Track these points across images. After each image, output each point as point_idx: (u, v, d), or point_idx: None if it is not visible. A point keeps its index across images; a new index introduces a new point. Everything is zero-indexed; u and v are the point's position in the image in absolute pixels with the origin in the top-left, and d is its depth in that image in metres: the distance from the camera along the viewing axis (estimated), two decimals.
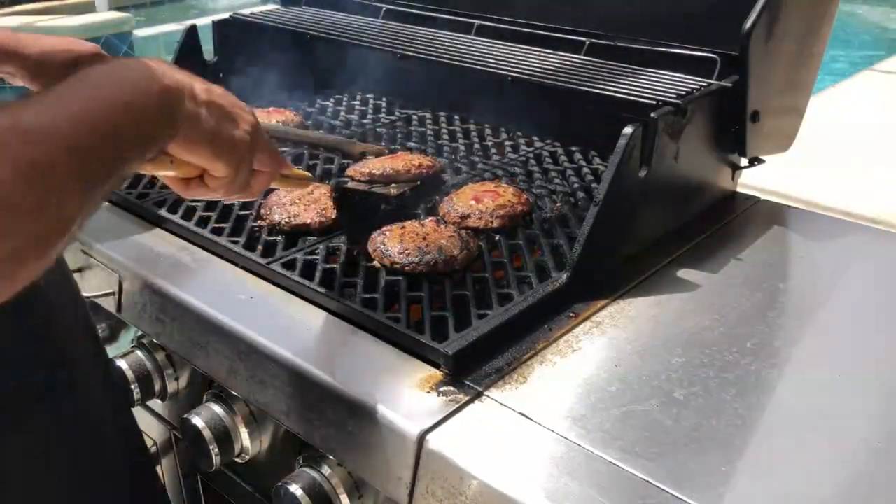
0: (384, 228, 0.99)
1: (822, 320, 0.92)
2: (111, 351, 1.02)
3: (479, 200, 1.05)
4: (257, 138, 0.71)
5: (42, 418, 0.79)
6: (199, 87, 0.65)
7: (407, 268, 0.92)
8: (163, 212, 1.09)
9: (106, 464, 0.88)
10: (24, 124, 0.48)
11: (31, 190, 0.46)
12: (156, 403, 1.07)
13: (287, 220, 1.03)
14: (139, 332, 1.03)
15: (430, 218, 1.05)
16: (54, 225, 0.49)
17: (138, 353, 1.00)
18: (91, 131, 0.52)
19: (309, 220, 1.03)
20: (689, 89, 1.03)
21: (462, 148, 1.33)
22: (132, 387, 0.99)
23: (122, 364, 0.99)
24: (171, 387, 1.01)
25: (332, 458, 0.81)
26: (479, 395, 0.76)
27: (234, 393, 0.90)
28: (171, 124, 0.61)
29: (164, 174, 0.70)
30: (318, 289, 0.90)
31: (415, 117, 1.47)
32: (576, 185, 1.17)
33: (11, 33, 0.93)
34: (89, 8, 5.86)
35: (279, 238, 1.02)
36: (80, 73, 0.55)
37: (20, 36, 0.94)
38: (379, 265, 0.94)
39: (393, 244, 0.94)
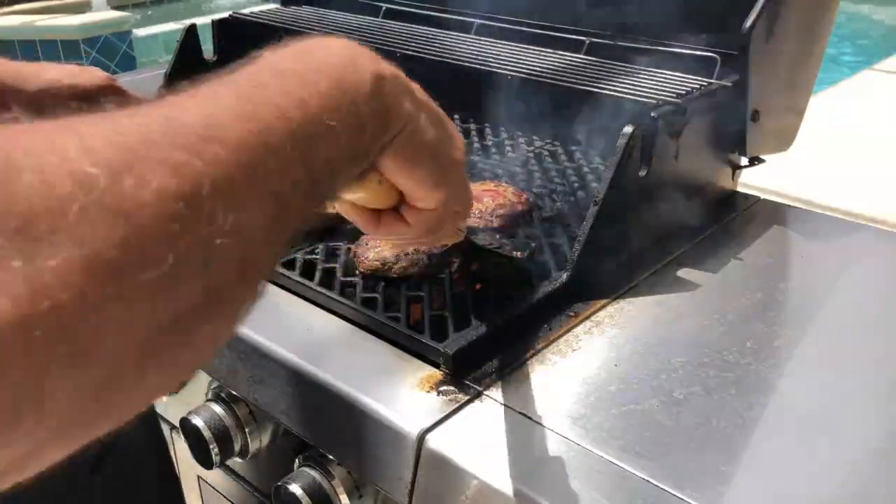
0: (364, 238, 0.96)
1: (823, 320, 0.92)
2: None
3: (479, 200, 1.05)
4: (464, 170, 0.56)
5: (93, 489, 0.74)
6: (415, 84, 0.51)
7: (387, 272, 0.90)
8: None
9: None
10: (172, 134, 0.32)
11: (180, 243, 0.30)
12: (156, 403, 1.07)
13: None
14: None
15: None
16: (245, 282, 0.35)
17: None
18: (280, 142, 0.37)
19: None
20: (689, 89, 1.03)
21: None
22: None
23: None
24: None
25: (331, 457, 0.80)
26: (479, 394, 0.76)
27: (233, 392, 0.90)
28: (386, 123, 0.46)
29: (363, 199, 0.52)
30: (318, 288, 0.90)
31: None
32: (576, 185, 1.17)
33: (12, 64, 0.84)
34: (88, 7, 5.86)
35: None
36: (256, 62, 0.42)
37: (22, 67, 0.85)
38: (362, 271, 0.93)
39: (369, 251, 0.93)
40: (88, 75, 0.90)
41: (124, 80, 2.09)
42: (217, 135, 0.33)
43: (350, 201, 0.53)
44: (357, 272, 0.93)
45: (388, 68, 0.47)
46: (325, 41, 0.46)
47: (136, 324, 0.28)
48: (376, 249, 0.92)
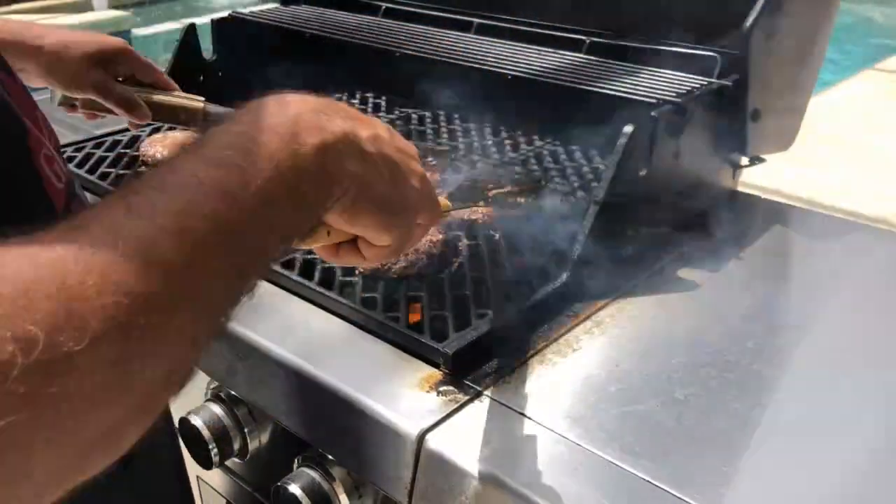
0: None
1: (823, 320, 0.92)
2: None
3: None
4: (426, 192, 0.58)
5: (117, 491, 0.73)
6: (365, 133, 0.51)
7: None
8: None
9: None
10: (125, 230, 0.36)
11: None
12: None
13: None
14: None
15: None
16: (187, 348, 0.38)
17: None
18: (226, 219, 0.40)
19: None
20: (689, 88, 1.03)
21: (462, 147, 1.33)
22: None
23: None
24: None
25: (331, 457, 0.80)
26: (478, 394, 0.76)
27: (233, 392, 0.89)
28: (329, 193, 0.48)
29: (316, 246, 0.56)
30: (318, 288, 0.89)
31: (414, 116, 1.46)
32: (576, 185, 1.17)
33: (26, 24, 0.88)
34: (88, 6, 5.86)
35: None
36: (206, 136, 0.44)
37: (34, 27, 0.89)
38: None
39: None
40: (105, 39, 0.95)
41: None
42: (152, 260, 0.35)
43: (316, 246, 0.56)
44: (357, 272, 0.93)
45: (335, 132, 0.48)
46: (268, 111, 0.47)
47: (66, 447, 0.32)
48: None
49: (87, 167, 1.22)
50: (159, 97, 0.99)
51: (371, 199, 0.51)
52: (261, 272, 0.44)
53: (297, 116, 0.47)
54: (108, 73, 0.95)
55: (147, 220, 0.37)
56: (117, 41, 0.97)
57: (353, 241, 0.56)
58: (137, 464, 0.71)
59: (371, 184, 0.50)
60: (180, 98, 1.00)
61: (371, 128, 0.52)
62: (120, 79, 0.98)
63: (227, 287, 0.41)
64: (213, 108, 1.00)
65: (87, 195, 0.74)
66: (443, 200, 0.71)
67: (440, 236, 0.96)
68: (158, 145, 1.20)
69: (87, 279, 0.33)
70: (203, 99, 1.01)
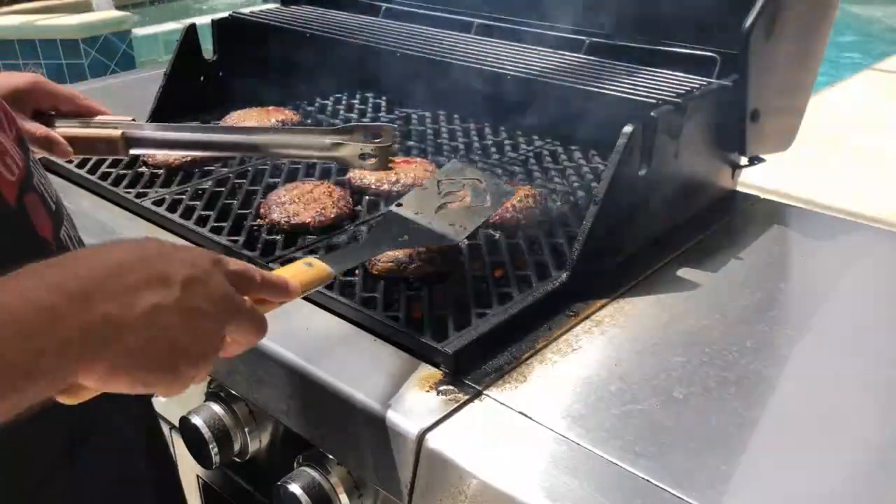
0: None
1: (823, 319, 0.92)
2: None
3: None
4: (223, 320, 0.56)
5: (72, 483, 0.70)
6: (137, 309, 0.49)
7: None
8: (161, 210, 1.09)
9: None
10: None
11: None
12: (156, 402, 1.06)
13: (286, 219, 1.03)
14: None
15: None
16: None
17: None
18: None
19: (308, 220, 1.03)
20: (688, 88, 1.03)
21: (462, 147, 1.33)
22: None
23: None
24: None
25: (331, 457, 0.80)
26: (478, 394, 0.76)
27: (233, 392, 0.90)
28: (63, 379, 0.47)
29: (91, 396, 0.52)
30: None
31: (415, 116, 1.46)
32: (576, 185, 1.17)
33: None
34: (88, 7, 5.85)
35: (278, 237, 1.02)
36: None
37: None
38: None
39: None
40: (15, 78, 0.90)
41: (124, 79, 2.09)
42: None
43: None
44: (356, 273, 0.93)
45: (95, 315, 0.47)
46: (40, 282, 0.46)
47: None
48: (386, 253, 0.92)
49: (87, 167, 1.22)
50: (76, 130, 0.93)
51: (130, 363, 0.49)
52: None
53: (65, 292, 0.46)
54: (25, 111, 0.90)
55: None
56: (28, 76, 0.92)
57: None
58: (91, 459, 0.71)
59: (130, 352, 0.49)
60: (98, 129, 0.94)
61: (153, 291, 0.50)
62: (52, 113, 0.93)
63: None
64: (133, 133, 0.94)
65: (55, 185, 0.71)
66: (321, 270, 0.69)
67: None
68: None
69: None
70: (126, 123, 0.95)
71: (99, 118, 0.95)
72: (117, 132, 0.94)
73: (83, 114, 0.95)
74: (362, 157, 0.93)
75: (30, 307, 0.44)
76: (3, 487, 0.65)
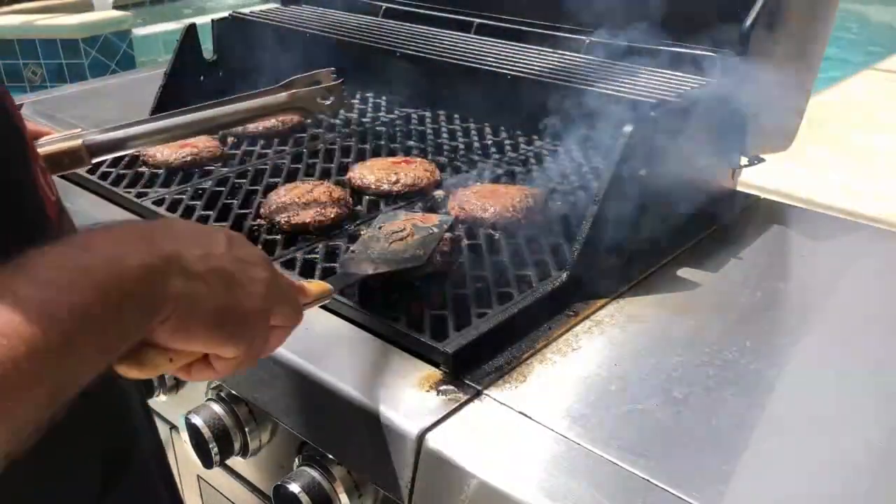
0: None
1: (823, 319, 0.92)
2: None
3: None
4: (274, 297, 0.58)
5: None
6: (195, 253, 0.52)
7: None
8: (161, 210, 1.09)
9: None
10: None
11: None
12: (156, 402, 1.07)
13: (286, 219, 1.03)
14: None
15: None
16: None
17: None
18: (52, 329, 0.42)
19: (308, 220, 1.03)
20: (688, 88, 1.03)
21: (462, 147, 1.33)
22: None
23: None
24: (171, 385, 1.01)
25: (331, 457, 0.80)
26: (478, 394, 0.76)
27: (233, 392, 0.90)
28: (154, 308, 0.49)
29: (151, 374, 0.53)
30: None
31: (414, 116, 1.46)
32: (576, 185, 1.17)
33: None
34: (88, 6, 5.86)
35: (278, 237, 1.02)
36: (28, 258, 0.45)
37: None
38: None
39: None
40: None
41: (124, 79, 2.09)
42: None
43: (160, 372, 0.54)
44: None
45: (161, 253, 0.49)
46: (100, 235, 0.49)
47: None
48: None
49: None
50: (40, 149, 0.87)
51: (202, 315, 0.51)
52: (70, 394, 0.45)
53: (124, 240, 0.49)
54: None
55: None
56: None
57: (204, 358, 0.56)
58: (122, 488, 0.70)
59: (199, 302, 0.51)
60: (60, 143, 0.90)
61: (203, 245, 0.53)
62: None
63: (36, 409, 0.42)
64: (94, 140, 0.91)
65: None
66: (321, 285, 0.70)
67: (448, 235, 0.96)
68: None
69: None
70: (84, 132, 0.92)
71: (44, 139, 0.91)
72: (78, 142, 0.91)
73: (32, 136, 0.88)
74: (319, 101, 0.98)
75: (107, 267, 0.46)
76: None
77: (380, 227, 0.93)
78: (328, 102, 1.02)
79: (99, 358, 0.46)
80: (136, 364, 0.51)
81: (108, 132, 0.94)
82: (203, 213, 1.08)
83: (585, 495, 0.64)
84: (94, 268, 0.45)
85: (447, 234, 0.95)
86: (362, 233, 0.98)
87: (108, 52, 4.74)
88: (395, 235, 0.91)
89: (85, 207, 1.14)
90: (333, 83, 1.00)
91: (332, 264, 0.95)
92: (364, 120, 1.46)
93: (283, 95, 1.00)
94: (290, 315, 0.62)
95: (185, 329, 0.51)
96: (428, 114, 1.47)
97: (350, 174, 1.17)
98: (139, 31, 5.44)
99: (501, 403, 0.75)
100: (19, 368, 0.40)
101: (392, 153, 1.28)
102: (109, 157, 1.03)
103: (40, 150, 0.88)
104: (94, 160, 0.93)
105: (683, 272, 0.98)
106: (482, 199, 1.05)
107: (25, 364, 0.40)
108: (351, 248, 0.92)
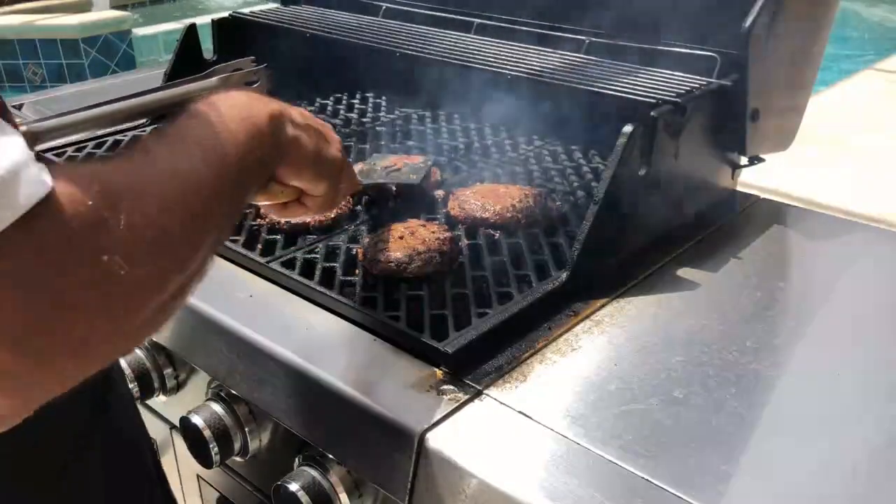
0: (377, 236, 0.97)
1: (823, 319, 0.92)
2: None
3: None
4: (345, 156, 0.76)
5: (74, 484, 0.73)
6: (294, 111, 0.68)
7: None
8: None
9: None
10: (178, 172, 0.51)
11: (189, 237, 0.51)
12: (156, 402, 1.07)
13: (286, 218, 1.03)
14: None
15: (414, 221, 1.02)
16: (199, 264, 0.53)
17: (137, 351, 1.00)
18: (226, 170, 0.56)
19: (308, 219, 1.03)
20: (688, 88, 1.03)
21: (462, 147, 1.33)
22: (131, 385, 0.99)
23: (121, 361, 0.99)
24: (171, 385, 1.01)
25: (331, 456, 0.80)
26: (478, 393, 0.76)
27: (233, 392, 0.90)
28: (280, 150, 0.65)
29: (273, 202, 0.73)
30: (318, 287, 0.90)
31: (414, 116, 1.47)
32: (576, 184, 1.17)
33: None
34: (88, 6, 5.86)
35: (278, 237, 1.02)
36: (190, 112, 0.58)
37: None
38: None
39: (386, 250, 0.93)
40: None
41: (124, 79, 2.09)
42: (195, 176, 0.53)
43: (272, 202, 0.73)
44: (357, 272, 0.93)
45: (274, 107, 0.64)
46: (227, 100, 0.61)
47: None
48: (385, 253, 0.92)
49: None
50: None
51: (307, 157, 0.68)
52: (234, 219, 0.61)
53: (246, 102, 0.62)
54: None
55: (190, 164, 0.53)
56: None
57: (297, 200, 0.73)
58: (87, 467, 0.73)
59: (306, 144, 0.68)
60: None
61: (295, 109, 0.69)
62: None
63: (222, 229, 0.58)
64: (35, 128, 0.90)
65: None
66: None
67: (448, 234, 0.96)
68: None
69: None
70: (26, 122, 0.91)
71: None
72: (23, 129, 0.89)
73: None
74: (248, 84, 1.03)
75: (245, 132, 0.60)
76: (36, 461, 0.68)
77: (374, 164, 1.13)
78: (255, 87, 1.05)
79: (255, 184, 0.63)
80: (265, 194, 0.69)
81: (52, 120, 0.95)
82: None
83: (585, 495, 0.64)
84: (234, 128, 0.58)
85: (447, 234, 0.95)
86: (359, 167, 1.13)
87: (108, 52, 4.75)
88: (389, 168, 1.11)
89: None
90: (259, 66, 1.04)
91: (333, 264, 0.95)
92: (364, 120, 1.46)
93: (214, 80, 1.05)
94: (352, 181, 0.80)
95: (297, 167, 0.68)
96: (428, 114, 1.47)
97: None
98: (139, 31, 5.44)
99: (501, 403, 0.75)
100: (215, 189, 0.54)
101: (392, 153, 1.28)
102: (51, 145, 1.06)
103: None
104: (38, 148, 0.95)
105: (683, 272, 0.98)
106: (482, 199, 1.05)
107: (219, 186, 0.54)
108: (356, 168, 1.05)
